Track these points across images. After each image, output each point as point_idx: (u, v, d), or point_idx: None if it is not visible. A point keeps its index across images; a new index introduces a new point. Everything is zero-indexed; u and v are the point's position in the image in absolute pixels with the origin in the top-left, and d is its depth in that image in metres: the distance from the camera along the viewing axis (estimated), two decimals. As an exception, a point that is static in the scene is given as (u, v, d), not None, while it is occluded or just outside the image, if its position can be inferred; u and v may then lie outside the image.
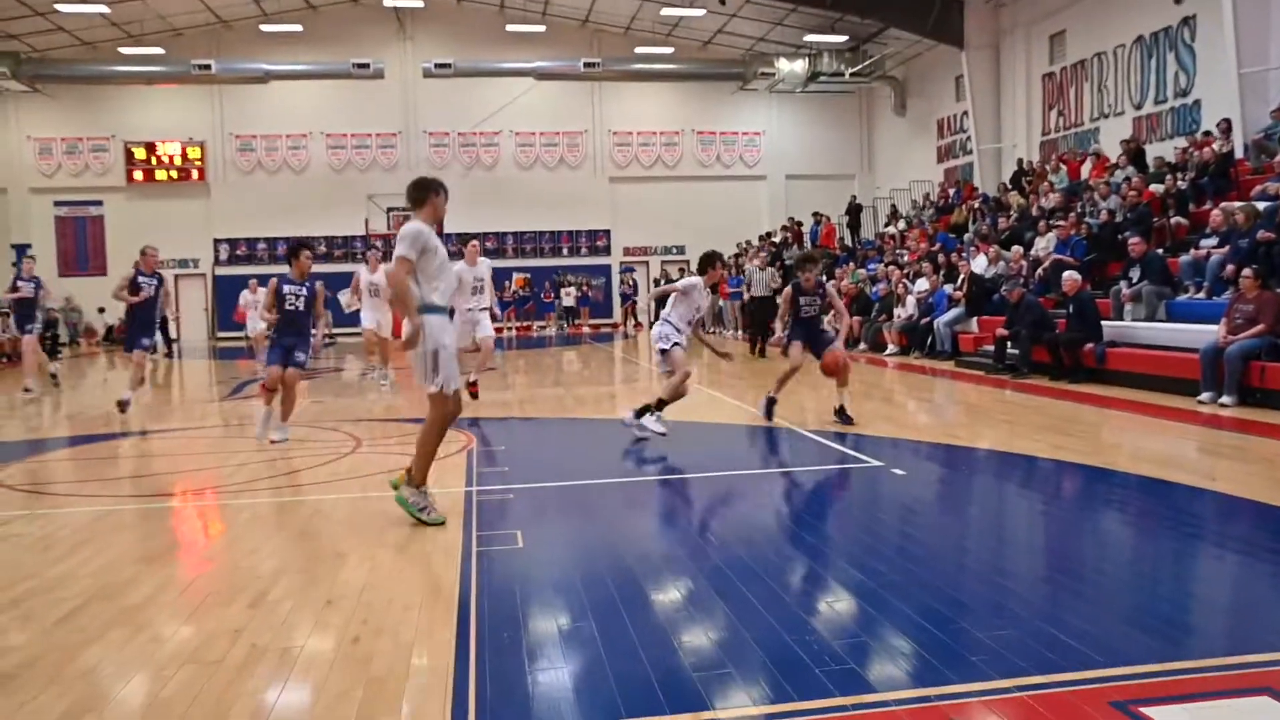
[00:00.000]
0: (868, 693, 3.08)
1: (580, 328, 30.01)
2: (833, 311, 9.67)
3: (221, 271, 30.06)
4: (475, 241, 11.69)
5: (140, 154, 29.81)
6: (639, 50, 29.53)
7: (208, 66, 27.10)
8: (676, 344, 8.31)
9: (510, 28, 29.53)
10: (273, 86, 28.80)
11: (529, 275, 30.94)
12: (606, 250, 31.73)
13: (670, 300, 8.57)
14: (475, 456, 7.84)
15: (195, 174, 29.92)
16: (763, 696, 3.10)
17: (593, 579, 4.49)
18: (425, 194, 5.64)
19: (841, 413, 8.86)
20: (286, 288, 8.77)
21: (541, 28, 29.76)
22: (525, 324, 30.16)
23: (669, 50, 29.92)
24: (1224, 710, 2.90)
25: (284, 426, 8.71)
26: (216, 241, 30.10)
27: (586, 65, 28.45)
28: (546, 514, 6.02)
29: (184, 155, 29.94)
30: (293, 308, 8.78)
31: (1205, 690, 3.04)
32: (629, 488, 6.81)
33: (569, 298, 30.65)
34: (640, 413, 8.33)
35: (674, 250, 31.86)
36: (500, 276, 30.47)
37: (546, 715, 3.01)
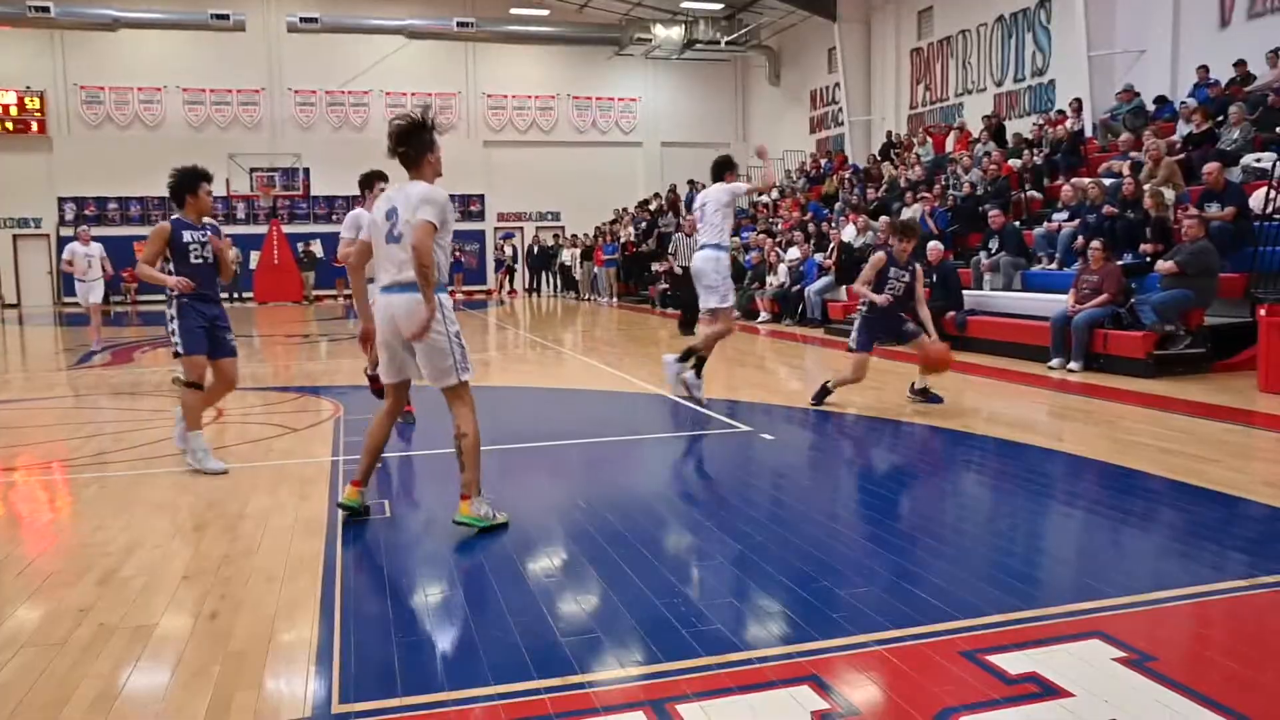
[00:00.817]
0: (733, 651, 3.14)
1: (454, 294, 29.53)
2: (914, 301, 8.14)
3: (67, 232, 28.25)
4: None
5: (-30, 102, 27.52)
6: (514, 11, 28.98)
7: (45, 9, 25.06)
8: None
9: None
10: (122, 35, 27.07)
11: (401, 240, 30.22)
12: (480, 215, 31.22)
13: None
14: (343, 425, 7.64)
15: (35, 126, 27.89)
16: (631, 659, 3.13)
17: (462, 548, 4.43)
18: (427, 146, 4.72)
19: (926, 392, 8.11)
20: (186, 234, 6.01)
21: (412, -16, 28.88)
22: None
23: (545, 13, 29.48)
24: (1060, 653, 3.07)
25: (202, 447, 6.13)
26: (61, 200, 28.24)
27: (460, 25, 27.78)
28: (416, 483, 5.92)
29: (20, 105, 27.81)
30: (199, 260, 6.03)
31: (1045, 636, 3.21)
32: (499, 455, 6.74)
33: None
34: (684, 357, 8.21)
35: (549, 216, 31.60)
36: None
37: (413, 686, 2.96)
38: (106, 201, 28.36)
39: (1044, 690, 2.81)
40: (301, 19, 26.74)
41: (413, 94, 30.27)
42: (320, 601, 3.70)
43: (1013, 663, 3.00)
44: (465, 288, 30.09)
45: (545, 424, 7.74)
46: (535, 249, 29.68)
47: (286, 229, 28.44)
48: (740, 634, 3.32)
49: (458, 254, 30.50)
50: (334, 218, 29.87)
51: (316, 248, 28.91)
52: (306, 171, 29.27)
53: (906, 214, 15.93)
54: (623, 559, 4.15)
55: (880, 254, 8.08)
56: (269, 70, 29.03)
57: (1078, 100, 16.46)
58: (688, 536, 4.74)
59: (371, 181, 7.33)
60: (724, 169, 8.18)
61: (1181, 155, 12.45)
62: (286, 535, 4.63)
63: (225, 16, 26.29)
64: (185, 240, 5.99)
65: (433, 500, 5.51)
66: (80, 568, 4.16)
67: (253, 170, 28.35)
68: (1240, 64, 13.81)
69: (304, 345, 15.81)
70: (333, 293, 28.27)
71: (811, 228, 18.71)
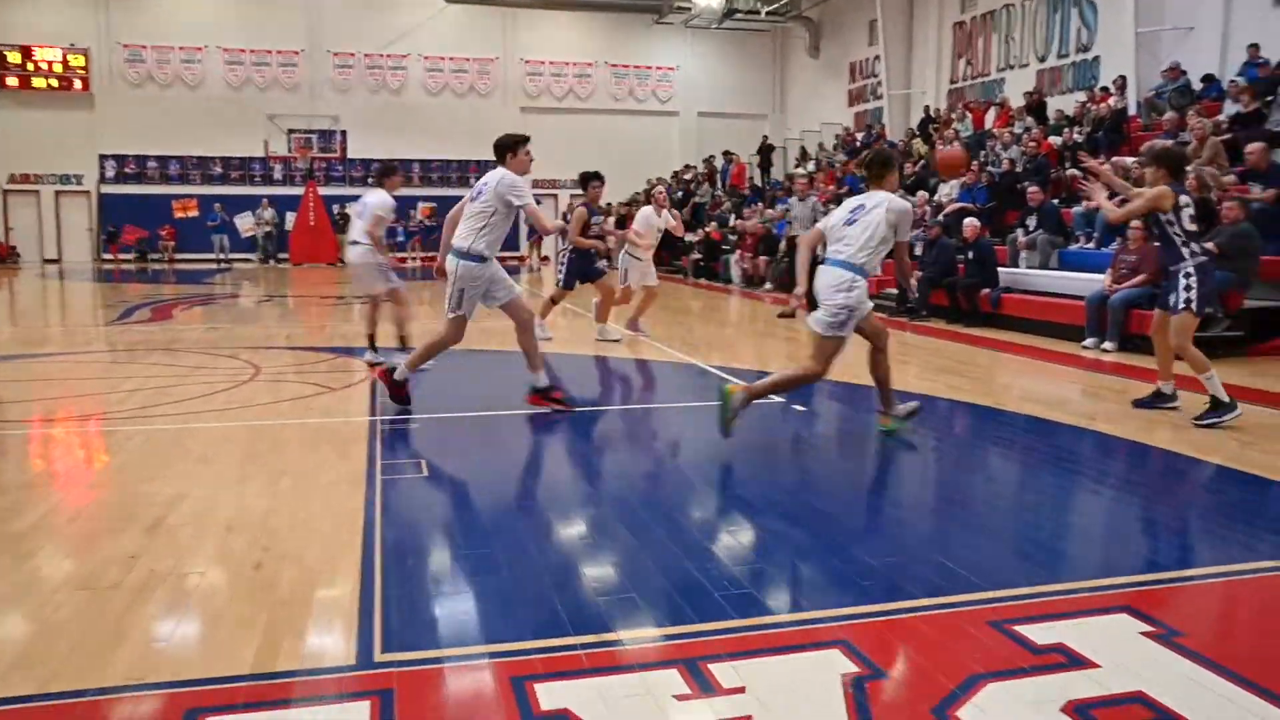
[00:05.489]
0: (765, 615, 3.20)
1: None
2: None
3: (108, 190, 28.67)
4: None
5: (15, 58, 27.71)
6: (553, -23, 28.91)
7: (93, -31, 25.43)
8: None
9: (420, -54, 28.52)
10: (165, -6, 27.33)
11: (435, 205, 30.33)
12: (515, 182, 31.23)
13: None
14: (379, 386, 7.75)
15: (79, 84, 28.17)
16: (664, 619, 3.20)
17: (497, 507, 4.53)
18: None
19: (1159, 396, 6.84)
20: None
21: (453, -52, 28.81)
22: (431, 254, 29.59)
23: (584, -22, 29.36)
24: (1087, 626, 3.11)
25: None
26: (103, 158, 28.59)
27: (499, -11, 27.73)
28: (451, 443, 6.02)
29: (65, 63, 28.06)
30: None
31: (1073, 609, 3.25)
32: (535, 419, 6.83)
33: (476, 229, 30.12)
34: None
35: (584, 184, 31.58)
36: (405, 205, 29.93)
37: (451, 638, 3.05)
38: (146, 160, 28.67)
39: (1071, 660, 2.86)
40: (342, -19, 26.77)
41: (450, 59, 30.32)
42: (362, 555, 3.80)
43: (1040, 633, 3.04)
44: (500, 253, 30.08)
45: (580, 390, 7.81)
46: (568, 216, 29.67)
47: (323, 191, 28.64)
48: (772, 598, 3.38)
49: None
50: (369, 180, 30.02)
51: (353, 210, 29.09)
52: (344, 134, 29.41)
53: (943, 190, 15.80)
54: (656, 524, 4.22)
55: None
56: (308, 32, 29.10)
57: (1122, 78, 16.18)
58: (719, 503, 4.81)
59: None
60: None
61: (1228, 135, 12.25)
62: (327, 491, 4.73)
63: (265, -23, 26.37)
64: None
65: (468, 461, 5.60)
66: (128, 516, 4.28)
67: (290, 131, 28.53)
68: (1292, 43, 13.53)
69: (339, 307, 15.96)
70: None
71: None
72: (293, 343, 10.62)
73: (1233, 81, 13.73)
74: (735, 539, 4.15)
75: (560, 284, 10.53)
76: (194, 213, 28.37)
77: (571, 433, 6.42)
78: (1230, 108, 13.17)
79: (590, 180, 10.35)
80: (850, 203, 5.91)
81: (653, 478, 5.12)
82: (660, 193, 11.37)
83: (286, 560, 3.74)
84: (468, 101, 30.58)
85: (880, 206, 5.65)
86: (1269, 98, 12.63)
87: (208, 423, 6.36)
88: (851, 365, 9.48)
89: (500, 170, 6.41)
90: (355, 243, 8.70)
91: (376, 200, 8.50)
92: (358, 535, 4.03)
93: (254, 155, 28.86)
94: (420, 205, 30.04)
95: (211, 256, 27.44)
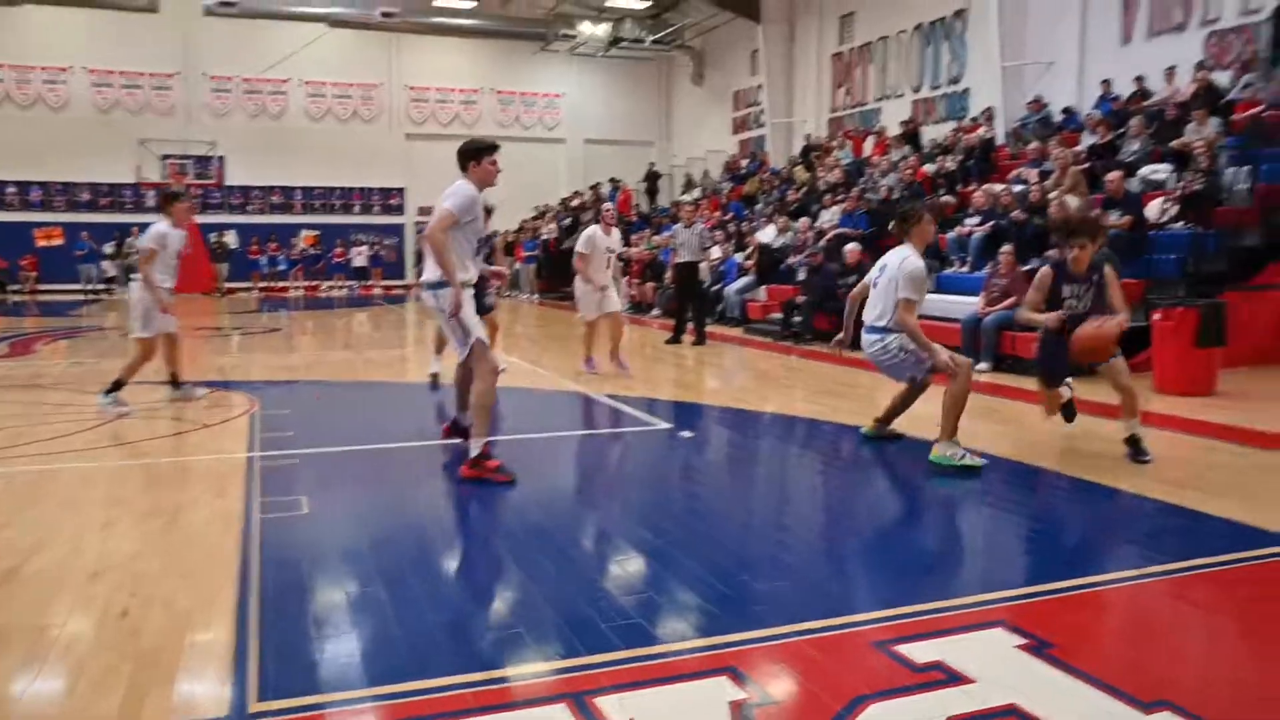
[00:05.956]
0: (652, 645, 3.20)
1: (372, 289, 29.08)
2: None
3: (-35, 217, 27.09)
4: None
5: None
6: (439, 4, 28.66)
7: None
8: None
9: (300, -32, 27.86)
10: (25, 11, 26.03)
11: (319, 233, 29.67)
12: (400, 209, 30.79)
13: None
14: (258, 421, 7.50)
15: (-70, 104, 26.62)
16: (552, 653, 3.16)
17: (382, 544, 4.41)
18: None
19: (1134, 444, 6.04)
20: None
21: (335, -29, 28.27)
22: (313, 283, 28.93)
23: (471, 5, 29.21)
24: (965, 642, 3.20)
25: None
26: (-42, 183, 27.03)
27: (384, 15, 27.35)
28: (334, 479, 5.85)
29: (-86, 81, 26.52)
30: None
31: (951, 626, 3.35)
32: (419, 452, 6.70)
33: (360, 257, 29.54)
34: None
35: (472, 211, 31.29)
36: (286, 233, 29.19)
37: (332, 683, 2.95)
38: (5, 185, 27.19)
39: (949, 677, 2.93)
40: (219, 2, 26.00)
41: (333, 84, 29.77)
42: (237, 598, 3.65)
43: (920, 652, 3.11)
44: (384, 282, 29.63)
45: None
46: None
47: (199, 219, 27.67)
48: (659, 627, 3.38)
49: (378, 248, 30.06)
50: (248, 208, 29.20)
51: (230, 238, 28.22)
52: (221, 160, 28.54)
53: (825, 216, 16.21)
54: (543, 556, 4.18)
55: (1047, 269, 6.19)
56: (184, 54, 28.14)
57: (990, 109, 16.97)
58: (607, 533, 4.79)
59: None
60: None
61: (1086, 165, 12.93)
62: (201, 531, 4.54)
63: (137, -4, 25.48)
64: None
65: (351, 496, 5.46)
66: (-18, 566, 4.03)
67: (164, 157, 27.54)
68: (1140, 79, 14.39)
69: (216, 339, 15.42)
70: (246, 285, 27.64)
71: (732, 228, 18.92)
72: (166, 377, 10.18)
73: (1089, 114, 14.55)
74: (624, 569, 4.14)
75: None
76: (59, 241, 27.02)
77: (455, 464, 6.32)
78: (1088, 138, 13.93)
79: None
80: (882, 260, 6.28)
81: (541, 509, 5.07)
82: (609, 210, 10.36)
83: (155, 606, 3.57)
84: (351, 127, 30.06)
85: (894, 267, 6.02)
86: (1121, 130, 13.40)
87: (71, 463, 6.04)
88: (739, 391, 9.62)
89: (458, 180, 5.52)
90: (133, 278, 8.20)
91: (150, 232, 7.98)
92: (233, 578, 3.87)
93: (124, 181, 27.71)
94: (304, 233, 29.35)
95: (78, 287, 26.19)
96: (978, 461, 5.71)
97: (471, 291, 5.53)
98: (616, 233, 10.14)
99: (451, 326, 5.44)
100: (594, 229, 9.85)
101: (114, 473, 5.75)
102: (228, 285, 27.20)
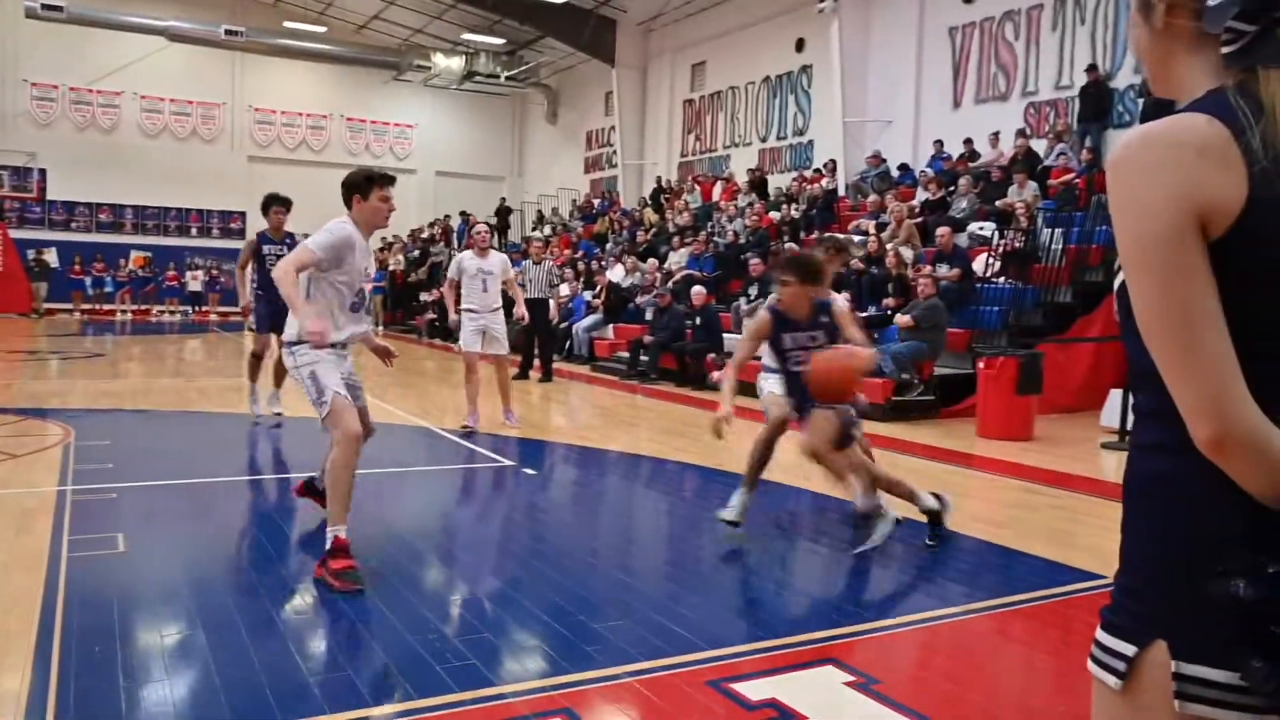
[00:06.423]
0: (487, 686, 3.13)
1: (207, 315, 27.77)
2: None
3: None
4: None
5: None
6: (288, 25, 27.88)
7: None
8: None
9: (139, -24, 26.53)
10: None
11: (150, 254, 28.16)
12: (241, 233, 29.53)
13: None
14: (73, 451, 7.02)
15: None
16: (382, 696, 3.06)
17: (204, 585, 4.18)
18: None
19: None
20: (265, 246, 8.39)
21: (176, -16, 27.07)
22: (144, 308, 27.40)
23: (322, 29, 28.54)
24: (797, 680, 3.28)
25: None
26: None
27: (228, 33, 26.39)
28: (155, 515, 5.52)
29: None
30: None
31: (783, 664, 3.42)
32: (250, 487, 6.42)
33: (196, 282, 28.19)
34: None
35: (316, 238, 30.42)
36: (114, 254, 27.58)
37: (140, 734, 2.76)
38: None
39: (782, 715, 2.99)
40: (44, 6, 24.43)
41: (171, 100, 28.48)
42: (36, 643, 3.38)
43: (754, 690, 3.16)
44: (221, 308, 28.32)
45: (301, 455, 7.42)
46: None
47: (15, 234, 25.92)
48: (495, 669, 3.32)
49: (216, 273, 28.74)
50: (73, 224, 27.49)
51: (51, 256, 26.43)
52: (43, 172, 26.81)
53: (673, 258, 16.51)
54: (379, 596, 4.04)
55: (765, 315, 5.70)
56: (3, 58, 26.37)
57: (832, 161, 17.74)
58: (445, 572, 4.69)
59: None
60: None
61: (920, 219, 13.66)
62: (-1, 572, 4.20)
63: (-53, -5, 23.73)
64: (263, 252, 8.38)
65: (174, 533, 5.15)
66: None
67: (-24, 166, 25.71)
68: (968, 141, 15.35)
69: (31, 363, 14.38)
70: (67, 306, 25.93)
71: (581, 265, 19.04)
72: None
73: (923, 171, 15.40)
74: (460, 609, 4.06)
75: (254, 328, 8.82)
76: None
77: (288, 501, 6.07)
78: (921, 194, 14.73)
79: (271, 204, 8.51)
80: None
81: (377, 547, 4.92)
82: (482, 232, 9.09)
83: (-59, 656, 3.26)
84: (190, 146, 28.78)
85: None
86: (951, 187, 14.24)
87: None
88: (584, 429, 9.64)
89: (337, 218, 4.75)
90: None
91: None
92: (33, 623, 3.59)
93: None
94: (134, 254, 27.80)
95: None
96: (730, 516, 5.35)
97: (338, 354, 4.55)
98: (496, 256, 9.05)
99: (306, 383, 4.40)
100: (464, 254, 9.11)
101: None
102: (46, 306, 25.46)
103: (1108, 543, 5.17)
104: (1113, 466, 7.78)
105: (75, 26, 25.49)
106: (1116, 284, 1.25)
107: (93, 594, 4.00)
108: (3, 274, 25.09)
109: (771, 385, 5.87)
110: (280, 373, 8.47)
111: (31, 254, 25.85)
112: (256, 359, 8.75)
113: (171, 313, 27.36)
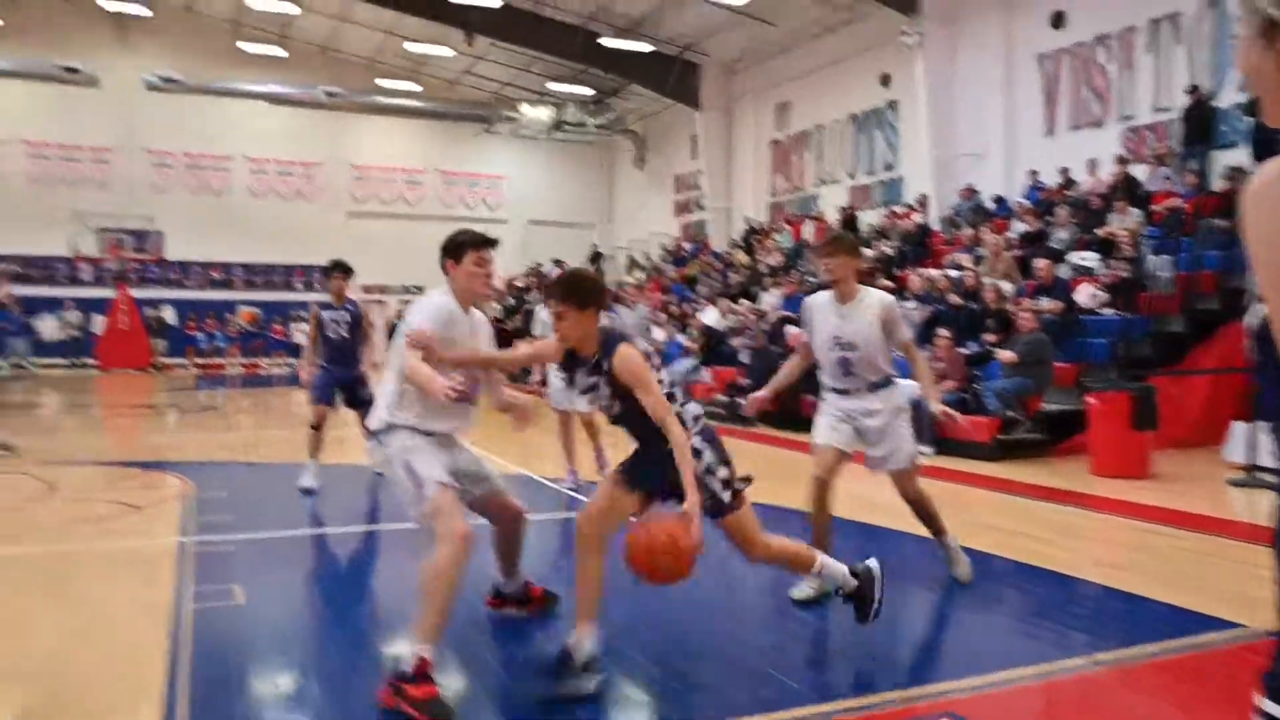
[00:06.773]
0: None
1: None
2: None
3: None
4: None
5: None
6: (382, 83, 28.91)
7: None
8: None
9: (243, 45, 27.84)
10: (-40, 86, 25.73)
11: (259, 310, 29.29)
12: (342, 286, 30.53)
13: None
14: (191, 503, 7.28)
15: None
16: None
17: (322, 636, 4.27)
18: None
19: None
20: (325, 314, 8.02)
21: (279, 50, 28.30)
22: (252, 361, 28.45)
23: (414, 87, 29.52)
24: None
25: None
26: (-117, 256, 26.23)
27: (327, 94, 27.52)
28: (273, 567, 5.68)
29: None
30: (336, 335, 7.96)
31: (897, 717, 3.31)
32: (366, 537, 6.55)
33: (301, 334, 29.14)
34: None
35: (413, 289, 31.18)
36: (224, 310, 28.77)
37: (266, 788, 2.82)
38: (-72, 257, 26.47)
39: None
40: (162, 79, 25.94)
41: (275, 160, 29.72)
42: (163, 700, 3.49)
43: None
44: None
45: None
46: (398, 321, 29.16)
47: (136, 293, 27.21)
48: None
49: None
50: (186, 283, 28.77)
51: (168, 314, 27.79)
52: (160, 235, 28.21)
53: (766, 299, 16.45)
54: (490, 643, 4.05)
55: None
56: (124, 128, 27.90)
57: (924, 196, 17.51)
58: (554, 624, 4.70)
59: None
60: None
61: (1017, 251, 13.35)
62: (125, 626, 4.36)
63: (76, 70, 25.31)
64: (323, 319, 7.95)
65: (291, 585, 5.29)
66: (-111, 664, 3.81)
67: (101, 230, 27.15)
68: (1064, 170, 14.98)
69: (152, 416, 15.03)
70: (182, 361, 27.10)
71: (675, 309, 19.11)
72: (98, 456, 9.88)
73: (1018, 202, 15.08)
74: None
75: (312, 400, 8.17)
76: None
77: (408, 549, 6.18)
78: (1017, 225, 14.41)
79: (334, 270, 8.02)
80: None
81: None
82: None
83: (71, 710, 3.39)
84: (293, 204, 29.95)
85: None
86: (1048, 217, 13.90)
87: (-9, 551, 5.79)
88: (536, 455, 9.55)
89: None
90: None
91: None
92: (160, 676, 3.71)
93: (57, 254, 27.19)
94: (241, 309, 28.96)
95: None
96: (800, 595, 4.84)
97: (439, 444, 3.92)
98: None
99: (399, 475, 3.80)
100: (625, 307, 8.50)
101: (33, 560, 5.51)
102: (163, 361, 26.67)
103: (1244, 587, 4.91)
104: (1243, 505, 7.41)
105: (188, 96, 26.91)
106: (1256, 319, 1.18)
107: (214, 646, 4.12)
108: (127, 332, 26.37)
109: (823, 422, 5.49)
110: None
111: (151, 312, 27.16)
112: (316, 430, 8.08)
113: (280, 365, 28.32)
